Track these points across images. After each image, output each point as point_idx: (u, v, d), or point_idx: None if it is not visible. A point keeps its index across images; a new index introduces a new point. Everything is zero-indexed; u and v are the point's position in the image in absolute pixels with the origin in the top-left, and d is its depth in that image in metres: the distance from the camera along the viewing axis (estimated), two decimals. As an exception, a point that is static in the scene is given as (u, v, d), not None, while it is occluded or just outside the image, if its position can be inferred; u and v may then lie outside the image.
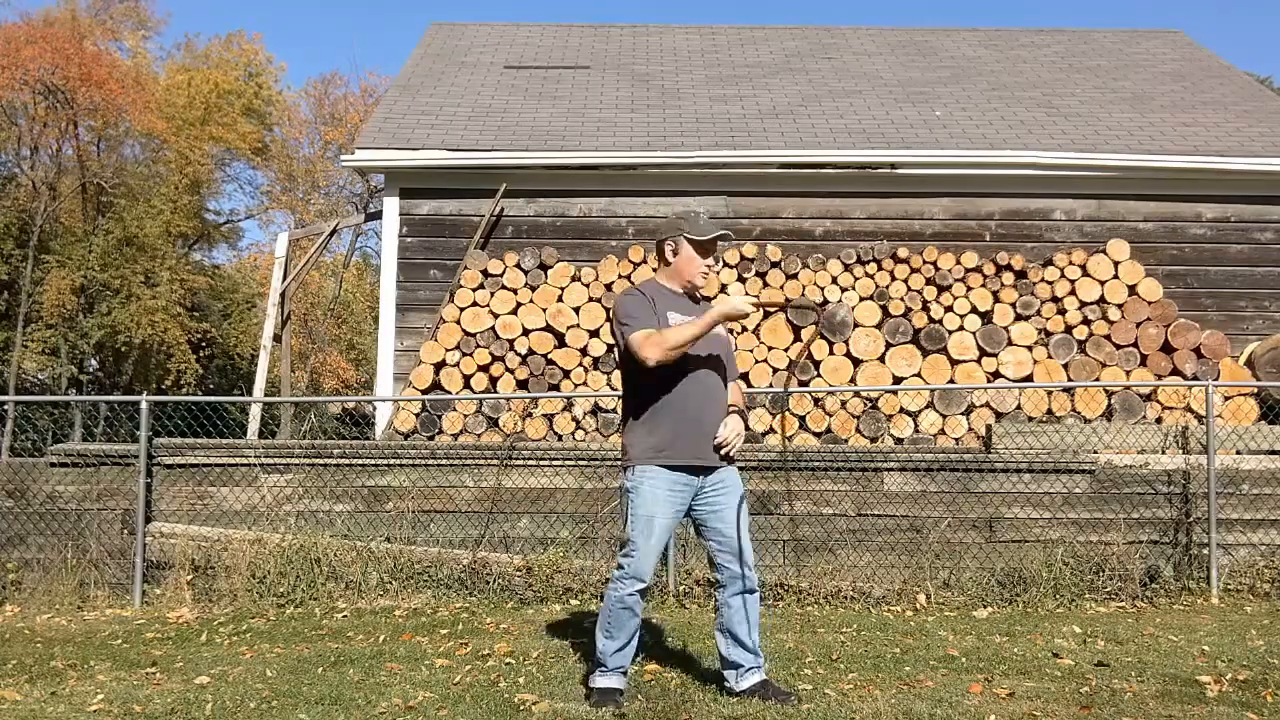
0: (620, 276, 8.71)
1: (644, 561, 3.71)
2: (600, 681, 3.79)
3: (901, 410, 8.41)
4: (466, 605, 6.05)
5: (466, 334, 8.64)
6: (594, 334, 8.62)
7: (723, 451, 3.76)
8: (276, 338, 9.85)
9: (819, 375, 8.51)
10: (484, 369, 8.61)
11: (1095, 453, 6.88)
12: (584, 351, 8.61)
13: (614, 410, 8.44)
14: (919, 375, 8.54)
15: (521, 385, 8.58)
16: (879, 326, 8.61)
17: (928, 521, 6.62)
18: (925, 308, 8.67)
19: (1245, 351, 8.83)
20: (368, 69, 50.03)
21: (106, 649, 5.06)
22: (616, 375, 8.55)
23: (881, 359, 8.55)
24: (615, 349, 3.84)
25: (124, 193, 24.50)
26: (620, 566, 3.75)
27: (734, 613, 3.80)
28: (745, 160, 9.07)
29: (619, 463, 3.89)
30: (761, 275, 8.71)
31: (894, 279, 8.72)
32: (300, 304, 24.42)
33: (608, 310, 8.63)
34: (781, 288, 8.67)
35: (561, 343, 8.63)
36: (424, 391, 8.54)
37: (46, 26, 23.66)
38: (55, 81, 22.15)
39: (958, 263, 8.70)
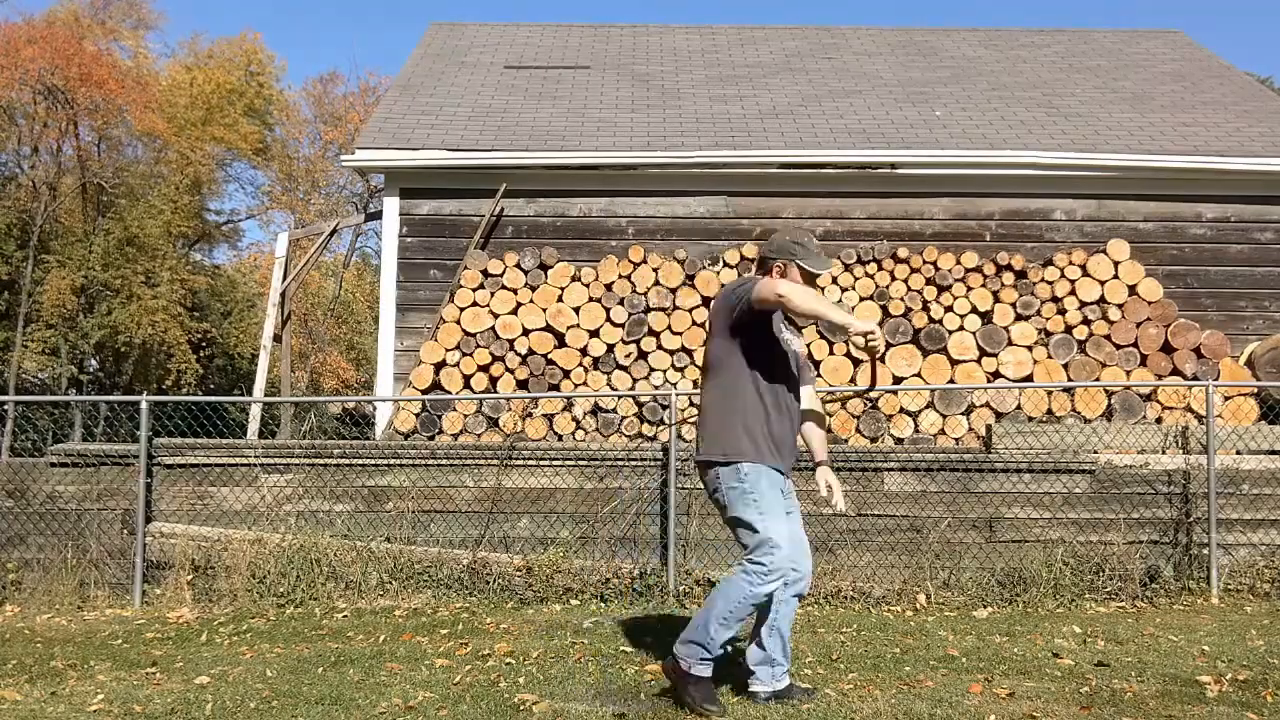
0: (620, 276, 8.71)
1: (788, 552, 3.64)
2: (702, 670, 3.69)
3: (901, 410, 8.41)
4: (466, 605, 6.05)
5: (466, 334, 8.64)
6: (594, 334, 8.61)
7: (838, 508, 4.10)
8: (276, 338, 9.85)
9: (819, 375, 8.51)
10: (484, 369, 8.61)
11: (1095, 453, 6.88)
12: (584, 351, 8.61)
13: (614, 410, 8.44)
14: (919, 375, 8.54)
15: (521, 385, 8.58)
16: (879, 326, 8.59)
17: (928, 521, 6.62)
18: (925, 308, 8.67)
19: (1245, 351, 8.83)
20: (368, 69, 50.06)
21: (106, 649, 5.06)
22: (616, 375, 8.58)
23: (881, 359, 8.55)
24: (720, 332, 3.81)
25: (124, 193, 24.51)
26: (759, 563, 3.63)
27: (787, 609, 3.76)
28: (745, 160, 9.07)
29: (706, 459, 3.78)
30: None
31: (894, 279, 8.72)
32: (300, 304, 24.43)
33: (604, 307, 8.62)
34: (781, 288, 8.65)
35: (561, 343, 8.63)
36: (424, 391, 8.54)
37: (48, 26, 23.66)
38: (55, 81, 22.16)
39: (958, 263, 8.70)
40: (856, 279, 8.73)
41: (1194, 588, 6.37)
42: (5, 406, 15.62)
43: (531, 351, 8.60)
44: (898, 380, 8.51)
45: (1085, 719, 3.67)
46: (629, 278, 8.72)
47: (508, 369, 8.59)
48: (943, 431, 8.42)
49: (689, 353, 8.54)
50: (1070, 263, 8.73)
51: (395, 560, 6.31)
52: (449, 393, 8.54)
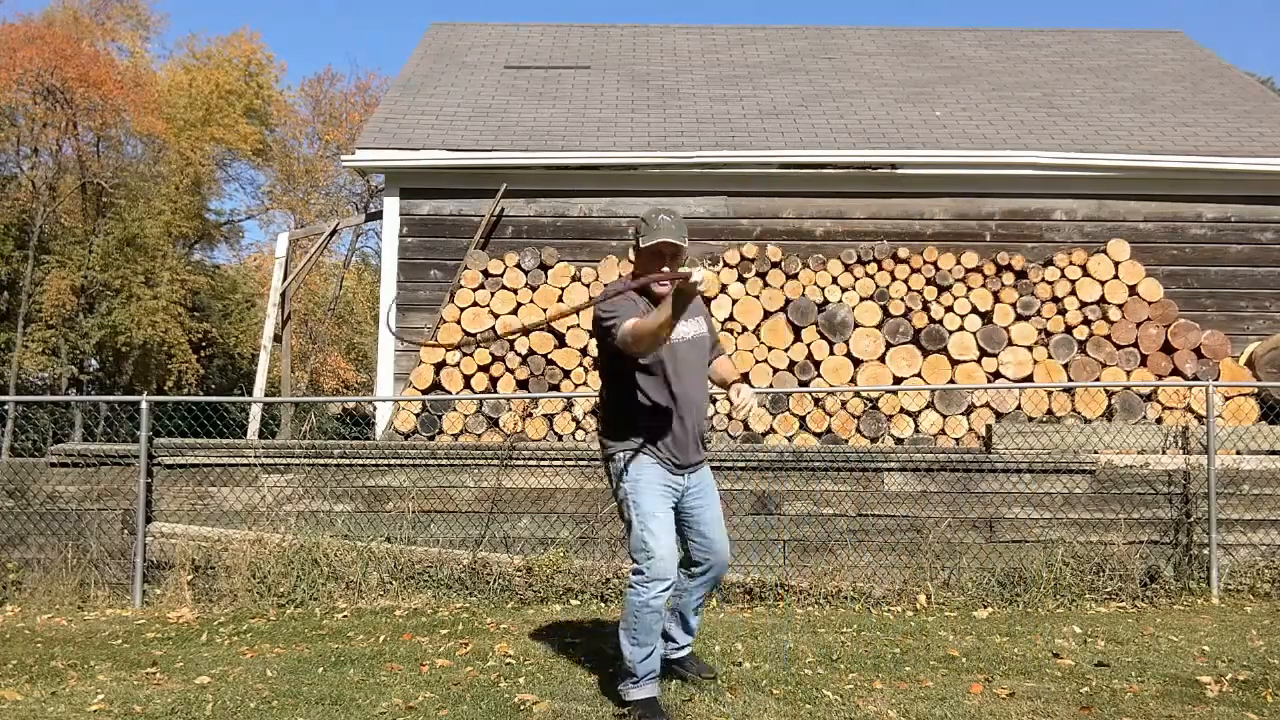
0: (620, 276, 8.71)
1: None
2: (637, 693, 3.66)
3: (902, 410, 8.41)
4: (467, 605, 6.05)
5: (467, 334, 8.64)
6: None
7: (740, 416, 3.74)
8: (277, 338, 9.85)
9: (819, 375, 8.51)
10: (484, 369, 8.61)
11: (1095, 453, 6.88)
12: (584, 351, 8.60)
13: (614, 410, 8.42)
14: (919, 375, 8.54)
15: (521, 385, 8.59)
16: (879, 327, 8.61)
17: (928, 521, 6.62)
18: (925, 308, 8.67)
19: (1245, 351, 8.83)
20: (367, 69, 50.09)
21: (107, 649, 5.06)
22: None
23: (882, 359, 8.55)
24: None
25: (124, 193, 24.52)
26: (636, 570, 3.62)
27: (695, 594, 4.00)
28: (745, 160, 9.07)
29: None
30: (762, 275, 8.71)
31: (894, 279, 8.72)
32: (300, 304, 24.43)
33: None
34: (781, 288, 8.67)
35: (561, 343, 8.63)
36: (424, 391, 8.54)
37: (46, 27, 23.66)
38: (54, 82, 22.16)
39: (958, 263, 8.70)
40: (856, 279, 8.73)
41: (1194, 588, 6.36)
42: (5, 406, 15.61)
43: (532, 351, 8.60)
44: (898, 380, 8.51)
45: (1085, 719, 3.67)
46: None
47: (508, 369, 8.59)
48: (943, 432, 8.42)
49: (689, 353, 8.53)
50: (1070, 263, 8.73)
51: (395, 560, 6.31)
52: (449, 393, 8.54)
